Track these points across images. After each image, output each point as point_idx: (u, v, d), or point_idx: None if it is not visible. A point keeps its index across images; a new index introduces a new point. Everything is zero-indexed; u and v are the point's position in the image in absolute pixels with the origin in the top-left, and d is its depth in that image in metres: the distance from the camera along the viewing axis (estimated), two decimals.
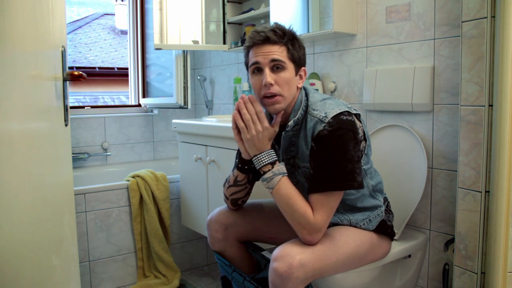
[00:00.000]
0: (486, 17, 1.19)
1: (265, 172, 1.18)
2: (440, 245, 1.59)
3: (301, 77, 1.27)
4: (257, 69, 1.23)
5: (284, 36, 1.21)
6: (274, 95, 1.20)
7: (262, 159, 1.19)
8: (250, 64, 1.24)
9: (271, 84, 1.19)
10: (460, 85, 1.28)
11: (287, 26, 1.25)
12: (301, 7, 1.93)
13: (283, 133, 1.27)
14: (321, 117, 1.18)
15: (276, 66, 1.20)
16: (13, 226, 0.89)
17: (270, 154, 1.20)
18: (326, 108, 1.19)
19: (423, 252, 1.61)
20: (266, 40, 1.20)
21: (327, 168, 1.15)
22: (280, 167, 1.19)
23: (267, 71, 1.20)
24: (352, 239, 1.25)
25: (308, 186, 1.20)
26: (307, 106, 1.24)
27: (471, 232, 1.27)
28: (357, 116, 1.23)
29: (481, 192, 1.24)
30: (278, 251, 1.15)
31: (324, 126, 1.16)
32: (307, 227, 1.14)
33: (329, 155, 1.15)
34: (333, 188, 1.15)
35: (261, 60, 1.20)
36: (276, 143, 1.33)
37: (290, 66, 1.22)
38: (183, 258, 2.39)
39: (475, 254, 1.26)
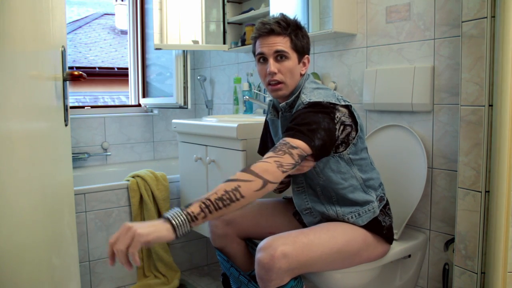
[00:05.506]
0: (486, 17, 1.19)
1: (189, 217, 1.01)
2: (440, 245, 1.59)
3: (304, 64, 1.36)
4: (262, 59, 1.33)
5: (288, 28, 1.30)
6: (277, 83, 1.31)
7: (177, 218, 1.00)
8: (256, 53, 1.34)
9: (275, 73, 1.29)
10: (460, 85, 1.28)
11: (292, 17, 1.34)
12: (301, 7, 1.93)
13: (280, 113, 1.39)
14: (304, 101, 1.26)
15: (280, 56, 1.30)
16: (13, 226, 0.89)
17: (174, 214, 1.01)
18: (313, 96, 1.27)
19: (423, 252, 1.61)
20: (270, 32, 1.29)
21: (294, 123, 1.19)
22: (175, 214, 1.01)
23: (271, 61, 1.30)
24: (340, 234, 1.25)
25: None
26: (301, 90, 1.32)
27: (471, 232, 1.27)
28: (348, 107, 1.28)
29: (481, 192, 1.24)
30: (263, 243, 1.18)
31: (302, 106, 1.24)
32: (261, 178, 1.07)
33: (299, 115, 1.21)
34: (289, 135, 1.16)
35: (266, 51, 1.30)
36: (279, 125, 1.42)
37: (293, 56, 1.31)
38: (183, 258, 2.39)
39: (475, 254, 1.26)
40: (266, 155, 1.13)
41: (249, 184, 1.05)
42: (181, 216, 0.99)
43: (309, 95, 1.27)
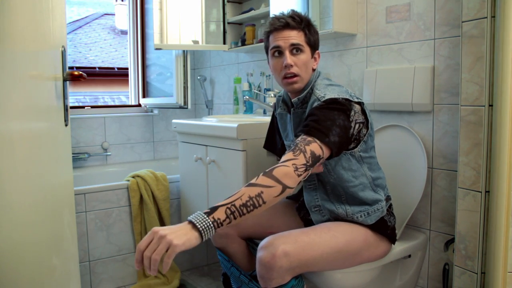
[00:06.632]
0: (486, 17, 1.19)
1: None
2: (440, 245, 1.59)
3: (315, 59, 1.38)
4: (278, 52, 1.33)
5: (302, 22, 1.32)
6: (293, 76, 1.31)
7: (203, 223, 1.00)
8: (270, 47, 1.34)
9: (291, 65, 1.30)
10: (460, 85, 1.28)
11: (302, 13, 1.35)
12: (301, 7, 1.93)
13: (292, 109, 1.39)
14: (319, 97, 1.26)
15: (295, 49, 1.31)
16: (13, 226, 0.89)
17: (198, 219, 1.02)
18: (327, 91, 1.27)
19: (423, 252, 1.61)
20: (286, 25, 1.30)
21: (309, 120, 1.19)
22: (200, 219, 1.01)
23: (287, 53, 1.30)
24: (341, 234, 1.26)
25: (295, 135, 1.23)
26: (314, 86, 1.33)
27: (471, 232, 1.27)
28: (361, 104, 1.28)
29: (481, 192, 1.24)
30: (264, 242, 1.18)
31: (319, 103, 1.23)
32: (281, 183, 1.07)
33: (314, 112, 1.21)
34: (306, 132, 1.17)
35: (282, 44, 1.30)
36: (290, 115, 1.42)
37: (307, 50, 1.33)
38: (183, 258, 2.39)
39: (475, 254, 1.26)
40: (286, 155, 1.12)
41: (270, 190, 1.06)
42: (206, 222, 1.00)
43: (324, 91, 1.27)
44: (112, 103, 6.24)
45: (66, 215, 1.37)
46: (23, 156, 0.97)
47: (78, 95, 6.16)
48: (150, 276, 2.21)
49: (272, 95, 2.16)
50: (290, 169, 1.09)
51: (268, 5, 2.10)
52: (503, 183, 1.15)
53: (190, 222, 1.01)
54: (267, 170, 1.09)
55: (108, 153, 2.72)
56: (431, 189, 1.60)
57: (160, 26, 2.47)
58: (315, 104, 1.25)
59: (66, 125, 1.34)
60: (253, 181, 1.08)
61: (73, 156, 2.33)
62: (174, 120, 2.21)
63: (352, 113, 1.24)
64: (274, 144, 1.59)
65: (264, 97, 2.28)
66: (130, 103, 2.97)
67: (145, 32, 2.78)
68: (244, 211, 1.03)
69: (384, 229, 1.34)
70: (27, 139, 1.01)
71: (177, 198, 2.34)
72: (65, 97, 1.28)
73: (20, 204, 0.94)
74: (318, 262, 1.21)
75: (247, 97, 2.21)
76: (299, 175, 1.10)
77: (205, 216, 1.01)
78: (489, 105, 1.21)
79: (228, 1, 2.47)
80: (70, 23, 6.83)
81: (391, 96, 1.66)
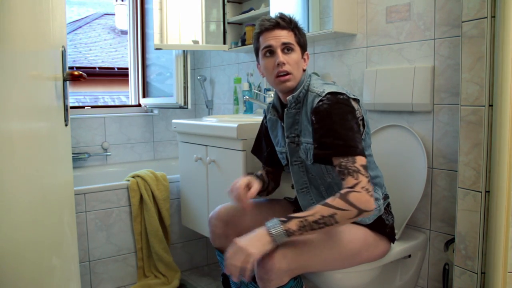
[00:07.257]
0: (486, 17, 1.19)
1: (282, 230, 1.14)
2: (440, 245, 1.59)
3: (304, 60, 1.38)
4: (269, 52, 1.33)
5: (291, 23, 1.33)
6: (286, 74, 1.32)
7: (275, 229, 1.13)
8: (262, 48, 1.34)
9: (284, 64, 1.31)
10: (460, 85, 1.28)
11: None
12: (301, 7, 1.93)
13: (285, 110, 1.37)
14: (319, 92, 1.28)
15: (287, 48, 1.32)
16: (13, 226, 0.89)
17: (274, 227, 1.15)
18: (325, 87, 1.29)
19: (423, 252, 1.61)
20: (276, 25, 1.32)
21: (330, 136, 1.20)
22: (275, 227, 1.14)
23: (279, 52, 1.31)
24: (340, 234, 1.26)
25: (316, 155, 1.24)
26: (309, 85, 1.34)
27: (471, 232, 1.27)
28: (356, 100, 1.29)
29: (481, 192, 1.24)
30: None
31: (322, 100, 1.24)
32: (357, 208, 1.13)
33: (330, 126, 1.21)
34: (338, 153, 1.19)
35: (273, 43, 1.31)
36: (281, 120, 1.42)
37: (297, 49, 1.34)
38: (183, 258, 2.39)
39: (475, 254, 1.26)
40: (348, 181, 1.16)
41: (344, 212, 1.12)
42: (279, 229, 1.12)
43: (321, 87, 1.28)
44: (112, 103, 6.25)
45: (66, 215, 1.37)
46: (23, 156, 0.97)
47: (78, 95, 6.16)
48: (150, 276, 2.22)
49: (272, 95, 2.16)
50: (362, 193, 1.14)
51: (268, 5, 2.10)
52: (503, 183, 1.15)
53: (266, 227, 1.14)
54: (342, 193, 1.14)
55: (108, 153, 2.72)
56: (431, 189, 1.60)
57: (160, 26, 2.47)
58: (316, 100, 1.25)
59: (66, 125, 1.34)
60: (329, 201, 1.14)
61: (73, 156, 2.33)
62: (174, 120, 2.21)
63: (357, 111, 1.26)
64: (261, 150, 1.59)
65: (264, 97, 2.28)
66: (130, 103, 2.97)
67: (145, 32, 2.78)
68: (315, 226, 1.12)
69: (383, 227, 1.34)
70: (27, 139, 1.01)
71: (177, 198, 2.34)
72: (65, 97, 1.28)
73: (20, 204, 0.94)
74: (316, 263, 1.21)
75: (247, 97, 2.21)
76: (371, 195, 1.16)
77: (280, 224, 1.13)
78: (489, 105, 1.21)
79: (228, 1, 2.47)
80: (70, 23, 6.83)
81: (391, 96, 1.66)
